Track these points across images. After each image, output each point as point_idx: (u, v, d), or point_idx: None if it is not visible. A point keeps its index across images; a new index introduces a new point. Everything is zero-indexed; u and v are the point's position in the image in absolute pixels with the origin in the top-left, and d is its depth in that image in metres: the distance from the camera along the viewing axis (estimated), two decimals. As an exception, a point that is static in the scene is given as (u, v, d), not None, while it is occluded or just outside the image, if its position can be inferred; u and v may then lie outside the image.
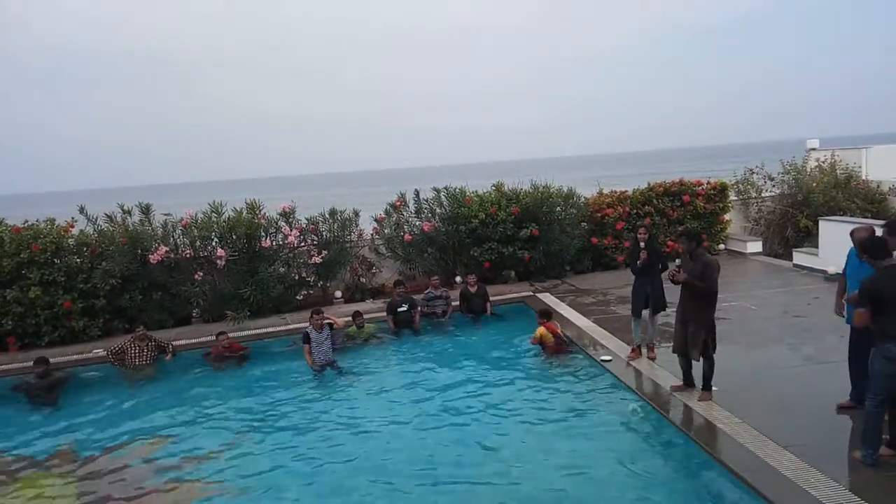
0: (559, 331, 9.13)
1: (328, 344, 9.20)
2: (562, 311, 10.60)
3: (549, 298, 11.55)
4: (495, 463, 6.21)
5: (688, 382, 7.00)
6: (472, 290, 11.03)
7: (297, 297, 11.99)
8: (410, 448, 6.62)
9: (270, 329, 10.77)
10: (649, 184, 14.51)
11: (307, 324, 9.40)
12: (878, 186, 15.37)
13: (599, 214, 13.73)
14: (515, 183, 13.56)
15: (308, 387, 8.62)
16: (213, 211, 11.74)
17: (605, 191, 14.37)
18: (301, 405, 8.00)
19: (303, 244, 12.24)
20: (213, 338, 9.77)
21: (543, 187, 13.28)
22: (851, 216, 13.84)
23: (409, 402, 7.87)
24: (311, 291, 12.28)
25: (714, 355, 6.65)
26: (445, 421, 7.24)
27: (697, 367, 6.81)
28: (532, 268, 13.06)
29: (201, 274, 11.24)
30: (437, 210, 13.20)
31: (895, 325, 4.98)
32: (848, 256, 6.61)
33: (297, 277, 12.04)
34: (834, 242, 11.71)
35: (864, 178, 15.73)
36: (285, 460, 6.58)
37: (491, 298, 11.22)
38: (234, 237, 11.57)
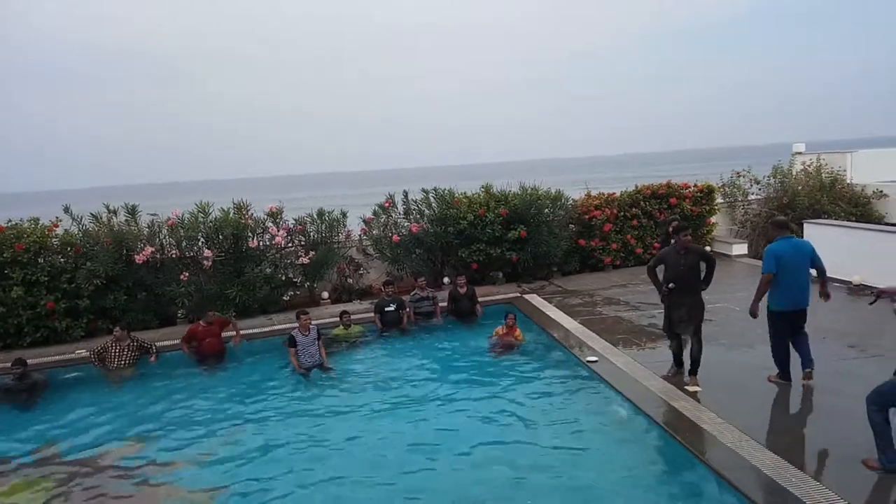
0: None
1: (315, 347, 9.13)
2: (549, 313, 10.62)
3: (536, 300, 11.57)
4: (479, 463, 6.18)
5: (679, 364, 7.44)
6: (462, 291, 11.02)
7: (284, 298, 11.96)
8: (395, 451, 6.56)
9: (256, 330, 10.69)
10: (637, 186, 14.59)
11: (295, 324, 9.35)
12: (863, 190, 15.53)
13: (587, 216, 13.78)
14: (504, 185, 13.60)
15: (293, 389, 8.53)
16: (199, 211, 11.68)
17: (593, 193, 14.44)
18: (285, 408, 7.91)
19: (290, 245, 12.20)
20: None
21: (532, 189, 13.32)
22: (836, 219, 13.98)
23: (395, 404, 7.82)
24: (298, 292, 12.25)
25: None
26: (432, 422, 7.22)
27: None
28: (520, 269, 13.10)
29: (187, 274, 11.17)
30: (426, 211, 13.19)
31: None
32: (775, 256, 6.71)
33: (283, 278, 12.00)
34: (818, 245, 11.76)
35: (848, 181, 15.89)
36: (266, 464, 6.50)
37: (479, 300, 11.23)
38: (220, 238, 11.51)
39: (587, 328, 9.60)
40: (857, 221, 13.78)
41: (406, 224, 13.10)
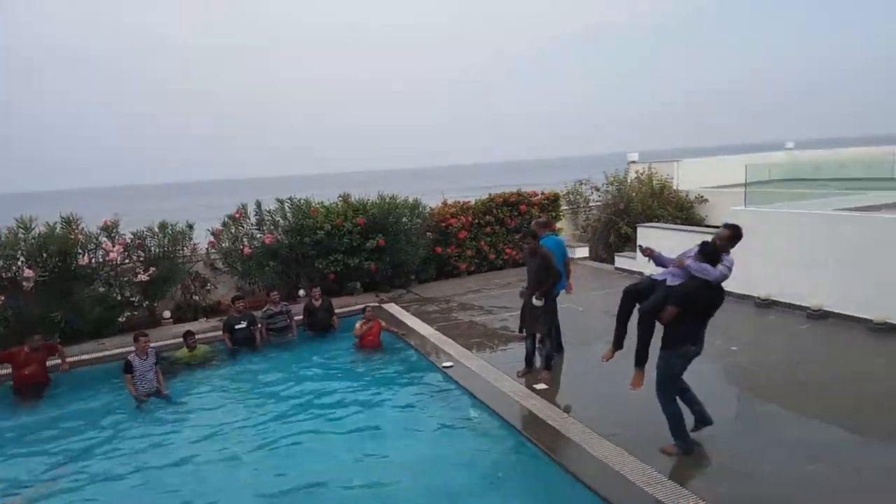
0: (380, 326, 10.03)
1: (153, 372, 8.43)
2: (406, 321, 10.66)
3: (394, 308, 11.58)
4: (334, 483, 5.98)
5: (530, 364, 7.82)
6: (317, 303, 10.75)
7: (120, 320, 10.98)
8: (245, 482, 6.18)
9: (86, 356, 9.71)
10: (490, 194, 15.11)
11: (131, 348, 8.61)
12: (687, 195, 17.19)
13: (444, 224, 14.04)
14: (363, 194, 13.52)
15: (128, 421, 7.75)
16: (19, 227, 10.47)
17: (450, 201, 14.76)
18: (118, 443, 7.16)
19: (127, 261, 11.25)
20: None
21: (390, 198, 13.34)
22: (665, 222, 15.34)
23: (244, 429, 7.34)
24: (136, 312, 11.31)
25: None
26: (284, 445, 6.87)
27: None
28: (378, 278, 13.05)
29: (2, 298, 9.94)
30: (281, 221, 12.78)
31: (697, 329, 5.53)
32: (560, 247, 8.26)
33: (119, 297, 11.02)
34: (650, 246, 12.87)
35: (675, 188, 17.52)
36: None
37: (336, 311, 11.01)
38: (44, 256, 10.37)
39: (443, 334, 9.74)
40: (682, 224, 15.20)
41: (259, 235, 12.60)
